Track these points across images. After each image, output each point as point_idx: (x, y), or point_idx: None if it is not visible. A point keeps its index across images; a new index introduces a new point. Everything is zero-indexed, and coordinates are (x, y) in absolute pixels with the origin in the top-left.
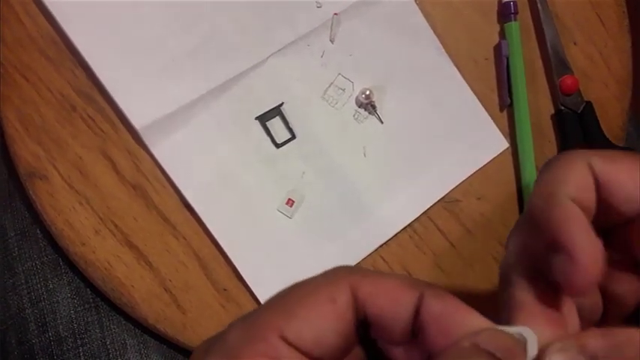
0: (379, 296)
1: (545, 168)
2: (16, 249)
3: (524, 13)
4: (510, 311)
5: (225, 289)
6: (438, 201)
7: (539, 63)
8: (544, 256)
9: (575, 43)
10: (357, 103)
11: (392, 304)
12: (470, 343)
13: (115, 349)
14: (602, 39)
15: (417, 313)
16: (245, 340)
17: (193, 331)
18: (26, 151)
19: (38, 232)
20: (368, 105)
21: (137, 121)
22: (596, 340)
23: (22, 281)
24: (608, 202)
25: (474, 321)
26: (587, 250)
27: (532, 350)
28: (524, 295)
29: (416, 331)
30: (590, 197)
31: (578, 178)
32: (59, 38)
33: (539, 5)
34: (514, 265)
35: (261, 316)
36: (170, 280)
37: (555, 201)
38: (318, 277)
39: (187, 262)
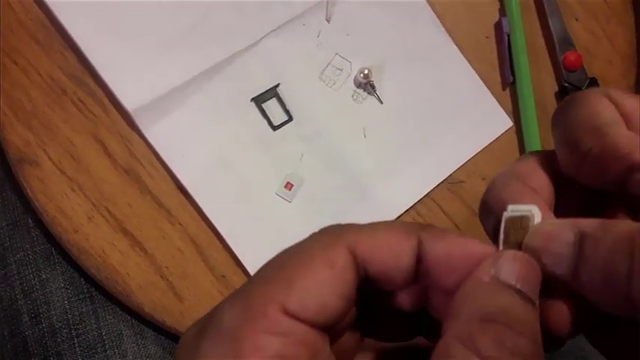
0: (378, 251)
1: (573, 108)
2: (7, 239)
3: None
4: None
5: (223, 276)
6: (442, 182)
7: (541, 40)
8: (614, 183)
9: (576, 19)
10: (355, 83)
11: (392, 257)
12: (490, 277)
13: (111, 340)
14: (604, 15)
15: (418, 258)
16: (244, 318)
17: (191, 319)
18: (16, 136)
19: (30, 221)
20: (367, 85)
21: (129, 104)
22: (591, 222)
23: (14, 272)
24: None
25: (478, 250)
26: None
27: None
28: (514, 191)
29: (419, 274)
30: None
31: (609, 108)
32: (49, 22)
33: None
34: (508, 173)
35: (257, 290)
36: (166, 267)
37: (612, 131)
38: (310, 242)
39: (184, 249)
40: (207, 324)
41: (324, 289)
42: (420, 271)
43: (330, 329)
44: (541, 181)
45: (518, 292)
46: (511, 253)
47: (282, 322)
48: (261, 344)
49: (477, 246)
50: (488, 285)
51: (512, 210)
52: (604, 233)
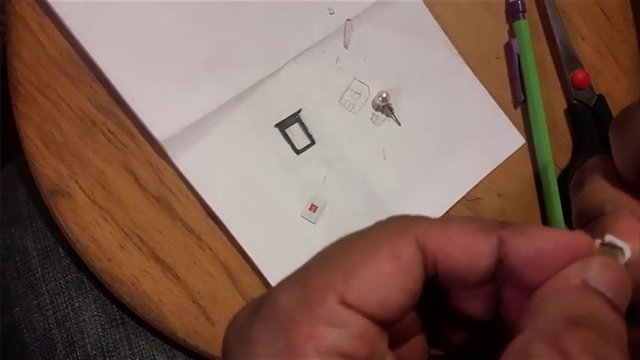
0: (452, 248)
1: (629, 113)
2: (39, 269)
3: (532, 11)
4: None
5: (253, 299)
6: (460, 199)
7: (550, 59)
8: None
9: (582, 39)
10: (373, 106)
11: (468, 255)
12: (580, 280)
13: None
14: (608, 33)
15: (499, 258)
16: (301, 304)
17: None
18: (48, 168)
19: (61, 250)
20: (385, 107)
21: (159, 133)
22: None
23: (47, 301)
24: None
25: (572, 240)
26: None
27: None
28: (625, 226)
29: (497, 274)
30: None
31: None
32: (77, 55)
33: (545, 3)
34: (615, 202)
35: (316, 276)
36: (198, 292)
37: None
38: (375, 230)
39: (214, 273)
40: (261, 305)
41: (388, 282)
42: (499, 271)
43: (389, 326)
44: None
45: (609, 300)
46: (603, 259)
47: (340, 313)
48: (316, 333)
49: (566, 236)
50: (577, 288)
51: (608, 240)
52: None
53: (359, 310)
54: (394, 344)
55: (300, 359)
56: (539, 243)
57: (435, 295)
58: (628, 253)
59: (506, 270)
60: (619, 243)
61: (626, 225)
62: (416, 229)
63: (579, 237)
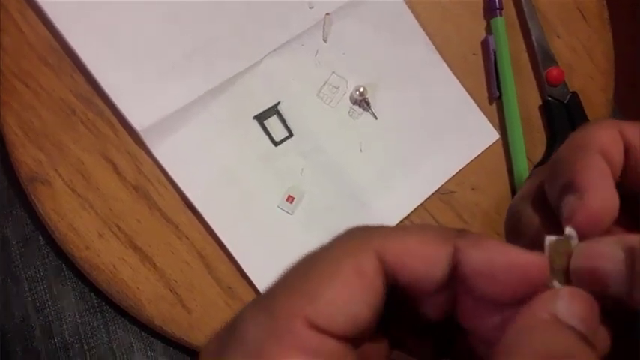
0: (410, 258)
1: (577, 130)
2: (18, 257)
3: (509, 8)
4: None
5: (229, 287)
6: (434, 193)
7: (525, 56)
8: (556, 198)
9: (558, 37)
10: (351, 100)
11: (425, 265)
12: (549, 315)
13: (122, 353)
14: (584, 32)
15: (453, 266)
16: (269, 333)
17: (200, 330)
18: (27, 156)
19: (40, 238)
20: (362, 102)
21: (137, 123)
22: (636, 237)
23: (26, 288)
24: (635, 167)
25: (522, 259)
26: (599, 195)
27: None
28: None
29: (452, 282)
30: (617, 158)
31: (608, 137)
32: (58, 44)
33: (522, 1)
34: (526, 201)
35: (281, 302)
36: (175, 281)
37: (583, 151)
38: (336, 247)
39: (191, 262)
40: (229, 337)
41: (354, 299)
42: (453, 278)
43: (359, 340)
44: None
45: (580, 334)
46: (569, 290)
47: (310, 338)
48: None
49: (521, 255)
50: (547, 323)
51: (550, 239)
52: None
53: (328, 332)
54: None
55: None
56: (492, 256)
57: (393, 299)
58: (574, 236)
59: (459, 277)
60: (567, 232)
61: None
62: (375, 242)
63: (532, 257)
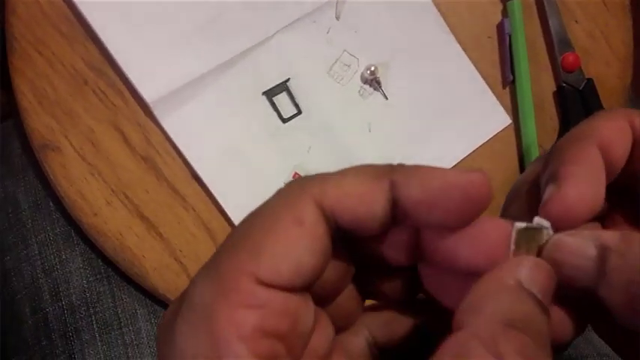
0: (347, 201)
1: (583, 120)
2: (29, 221)
3: None
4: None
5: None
6: None
7: (541, 40)
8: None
9: (576, 21)
10: (362, 79)
11: (363, 205)
12: (514, 281)
13: (127, 318)
14: (603, 17)
15: (393, 201)
16: (216, 294)
17: None
18: (39, 123)
19: (51, 204)
20: (373, 81)
21: (148, 95)
22: (612, 235)
23: (36, 252)
24: None
25: (455, 179)
26: (578, 186)
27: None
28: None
29: (397, 217)
30: (619, 151)
31: (612, 128)
32: (72, 14)
33: None
34: (523, 186)
35: (225, 261)
36: (180, 251)
37: (579, 142)
38: (274, 200)
39: (197, 233)
40: (180, 304)
41: (296, 249)
42: (397, 214)
43: (308, 288)
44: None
45: (539, 302)
46: (534, 260)
47: (257, 294)
48: (237, 319)
49: (457, 174)
50: (512, 289)
51: (518, 225)
52: (627, 248)
53: (274, 285)
54: (324, 301)
55: (224, 349)
56: (428, 182)
57: (354, 246)
58: (546, 227)
59: (401, 213)
60: (537, 224)
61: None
62: (312, 189)
63: (469, 175)
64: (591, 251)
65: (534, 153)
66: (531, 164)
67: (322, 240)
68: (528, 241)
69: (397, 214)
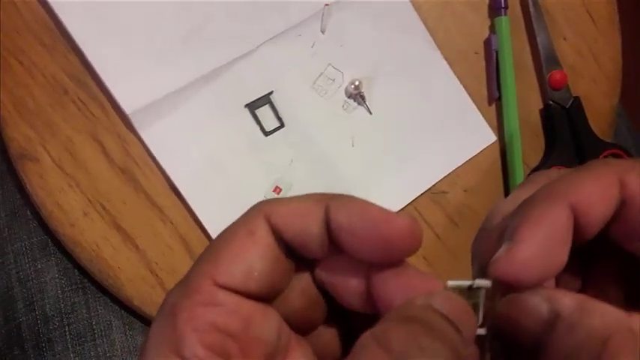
0: (289, 219)
1: (570, 171)
2: (6, 229)
3: (515, 7)
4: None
5: None
6: (425, 192)
7: (529, 58)
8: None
9: (564, 39)
10: (346, 93)
11: (302, 223)
12: (422, 302)
13: (101, 330)
14: (592, 35)
15: (328, 225)
16: (182, 295)
17: None
18: (18, 133)
19: (28, 213)
20: (357, 95)
21: (127, 106)
22: (570, 301)
23: (11, 261)
24: (628, 220)
25: (377, 214)
26: (532, 250)
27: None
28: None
29: (333, 241)
30: (597, 213)
31: (594, 188)
32: (53, 24)
33: (529, 0)
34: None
35: (193, 270)
36: (156, 263)
37: (550, 200)
38: (236, 220)
39: (174, 246)
40: (157, 312)
41: (247, 256)
42: (332, 238)
43: (266, 296)
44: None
45: (448, 319)
46: (448, 293)
47: (215, 294)
48: (194, 315)
49: (377, 213)
50: (419, 306)
51: (452, 284)
52: (579, 321)
53: (230, 287)
54: (301, 331)
55: (182, 340)
56: (354, 212)
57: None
58: (486, 285)
59: (334, 237)
60: (466, 283)
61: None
62: (265, 208)
63: (393, 218)
64: (542, 313)
65: (519, 171)
66: (518, 188)
67: (272, 249)
68: (467, 298)
69: (332, 238)
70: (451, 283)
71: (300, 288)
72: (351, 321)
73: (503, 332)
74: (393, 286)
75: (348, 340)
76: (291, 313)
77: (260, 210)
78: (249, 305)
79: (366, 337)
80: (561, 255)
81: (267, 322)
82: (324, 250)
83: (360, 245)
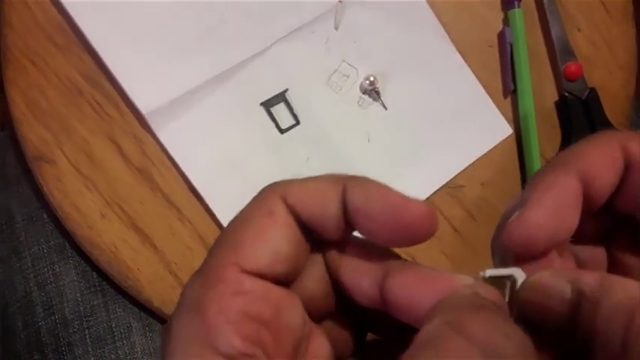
0: (306, 198)
1: (575, 144)
2: (23, 233)
3: (528, 0)
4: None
5: None
6: (442, 187)
7: (543, 49)
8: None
9: (579, 30)
10: (361, 89)
11: (319, 203)
12: (471, 291)
13: (121, 332)
14: (606, 26)
15: (344, 205)
16: (205, 288)
17: None
18: (33, 134)
19: (45, 216)
20: (372, 91)
21: (143, 106)
22: (591, 279)
23: (29, 265)
24: (632, 185)
25: (396, 198)
26: (541, 213)
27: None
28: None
29: (349, 223)
30: (605, 180)
31: (599, 156)
32: (66, 24)
33: None
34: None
35: (211, 260)
36: (175, 263)
37: (558, 169)
38: (250, 202)
39: (192, 246)
40: (177, 305)
41: (270, 237)
42: (348, 219)
43: (290, 279)
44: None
45: (497, 305)
46: (487, 286)
47: (242, 282)
48: (223, 306)
49: (394, 196)
50: (470, 294)
51: (489, 274)
52: (602, 296)
53: (255, 272)
54: (317, 319)
55: (215, 334)
56: (371, 194)
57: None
58: (521, 278)
59: (350, 218)
60: (504, 271)
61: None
62: (280, 189)
63: (409, 203)
64: (566, 294)
65: (536, 164)
66: (516, 199)
67: (293, 229)
68: (499, 287)
69: (348, 219)
70: (489, 271)
71: (315, 273)
72: (362, 310)
73: (527, 320)
74: (405, 285)
75: (359, 330)
76: (307, 299)
77: (274, 191)
78: (277, 291)
79: (437, 326)
80: (572, 219)
81: (294, 309)
82: (340, 233)
83: (376, 228)
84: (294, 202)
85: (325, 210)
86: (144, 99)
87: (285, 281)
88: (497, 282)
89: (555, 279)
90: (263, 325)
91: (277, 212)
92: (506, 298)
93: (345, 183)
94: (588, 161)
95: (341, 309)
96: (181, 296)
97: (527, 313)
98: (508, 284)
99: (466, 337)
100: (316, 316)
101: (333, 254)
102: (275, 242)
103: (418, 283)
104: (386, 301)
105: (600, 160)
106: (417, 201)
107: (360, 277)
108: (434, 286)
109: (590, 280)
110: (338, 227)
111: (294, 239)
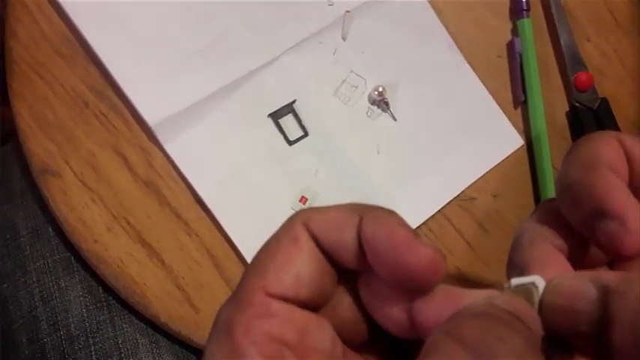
0: (325, 226)
1: (577, 146)
2: (27, 247)
3: (537, 9)
4: (526, 266)
5: None
6: (454, 199)
7: (553, 59)
8: (585, 224)
9: (588, 40)
10: (369, 100)
11: (336, 232)
12: (485, 302)
13: (127, 349)
14: (615, 36)
15: (359, 235)
16: (235, 310)
17: (207, 330)
18: (39, 147)
19: (50, 230)
20: (381, 102)
21: (150, 118)
22: (613, 276)
23: (34, 280)
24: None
25: (402, 233)
26: (637, 216)
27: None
28: (540, 253)
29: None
30: (623, 171)
31: (612, 150)
32: (72, 36)
33: (551, 2)
34: (534, 231)
35: (243, 283)
36: (183, 278)
37: (597, 172)
38: (278, 229)
39: (200, 260)
40: (212, 329)
41: (295, 262)
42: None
43: (317, 304)
44: (565, 235)
45: (515, 315)
46: (507, 295)
47: (269, 305)
48: (250, 328)
49: (402, 235)
50: (485, 303)
51: (516, 283)
52: (628, 288)
53: (281, 296)
54: (354, 346)
55: (241, 354)
56: (378, 228)
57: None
58: (542, 285)
59: (365, 249)
60: (526, 280)
61: (540, 253)
62: (302, 216)
63: (414, 244)
64: (592, 293)
65: (548, 175)
66: (532, 215)
67: (316, 254)
68: (528, 297)
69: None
70: (514, 281)
71: (346, 300)
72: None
73: (554, 325)
74: (434, 309)
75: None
76: (338, 325)
77: (299, 218)
78: (303, 314)
79: (436, 335)
80: None
81: (321, 332)
82: (360, 262)
83: (380, 264)
84: (316, 230)
85: (342, 238)
86: (151, 111)
87: (312, 305)
88: (524, 292)
89: (578, 280)
90: (287, 346)
91: (301, 238)
92: (536, 306)
93: (362, 213)
94: (609, 157)
95: (380, 339)
96: (216, 319)
97: (554, 319)
98: (535, 292)
99: (460, 342)
100: (351, 343)
101: (362, 283)
102: (298, 267)
103: (447, 305)
104: (416, 327)
105: (615, 154)
106: (425, 244)
107: (389, 306)
108: (462, 305)
109: (611, 276)
110: (355, 256)
111: (318, 265)
